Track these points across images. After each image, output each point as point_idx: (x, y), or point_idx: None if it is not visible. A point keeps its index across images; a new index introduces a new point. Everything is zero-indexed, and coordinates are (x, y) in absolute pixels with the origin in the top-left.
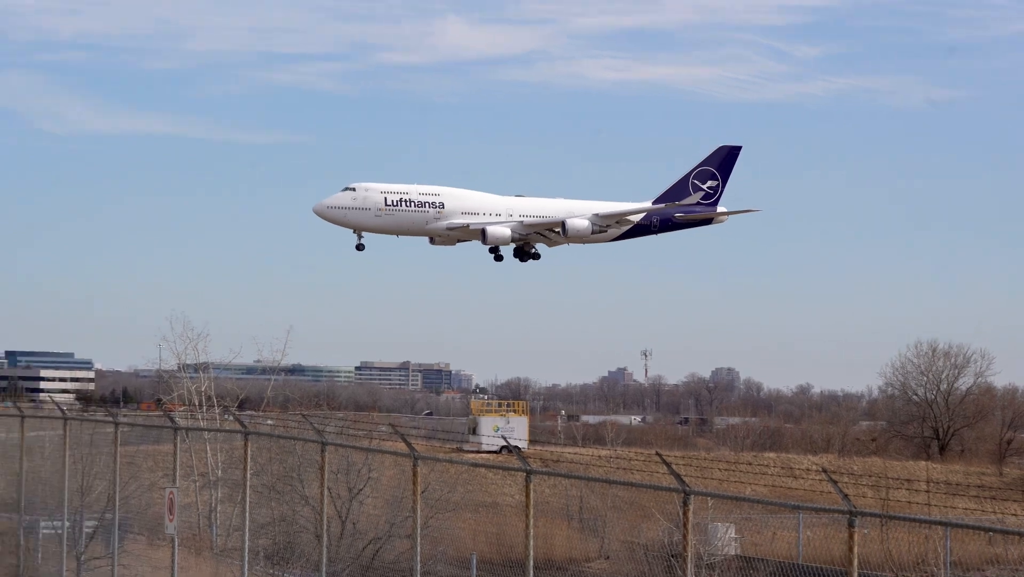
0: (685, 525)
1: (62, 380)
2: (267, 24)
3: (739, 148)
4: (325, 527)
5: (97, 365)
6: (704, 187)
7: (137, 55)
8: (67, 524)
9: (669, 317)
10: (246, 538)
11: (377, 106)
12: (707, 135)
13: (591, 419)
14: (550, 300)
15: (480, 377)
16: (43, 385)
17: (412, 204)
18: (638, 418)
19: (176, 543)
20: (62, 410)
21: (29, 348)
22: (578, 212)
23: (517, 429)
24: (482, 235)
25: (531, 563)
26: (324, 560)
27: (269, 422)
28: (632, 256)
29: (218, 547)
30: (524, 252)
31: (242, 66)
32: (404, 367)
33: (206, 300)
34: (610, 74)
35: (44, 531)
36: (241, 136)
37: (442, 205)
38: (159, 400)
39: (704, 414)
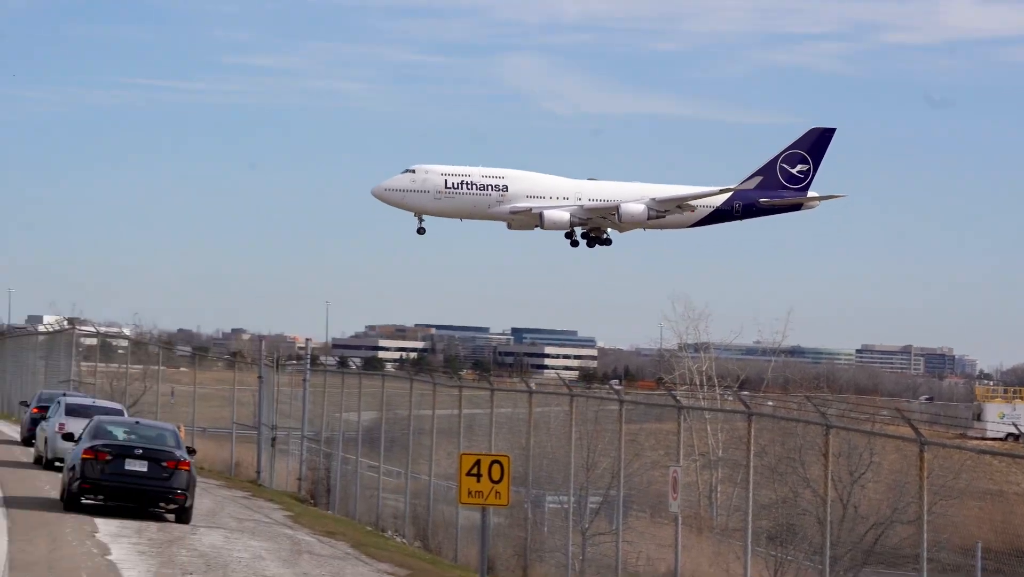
0: None
1: (565, 357)
2: (769, 4)
3: (832, 130)
4: (828, 510)
5: (599, 343)
6: (793, 171)
7: (641, 36)
8: (572, 499)
9: None
10: (749, 519)
11: (879, 87)
12: None
13: None
14: None
15: (984, 363)
16: (547, 362)
17: (474, 187)
18: None
19: (679, 522)
20: (568, 387)
21: (534, 325)
22: (648, 196)
23: None
24: (540, 219)
25: None
26: (827, 543)
27: (769, 403)
28: None
29: (719, 527)
30: (592, 238)
31: (744, 47)
32: (906, 351)
33: (708, 280)
34: None
35: (550, 505)
36: (743, 117)
37: (506, 188)
38: (660, 379)
39: None
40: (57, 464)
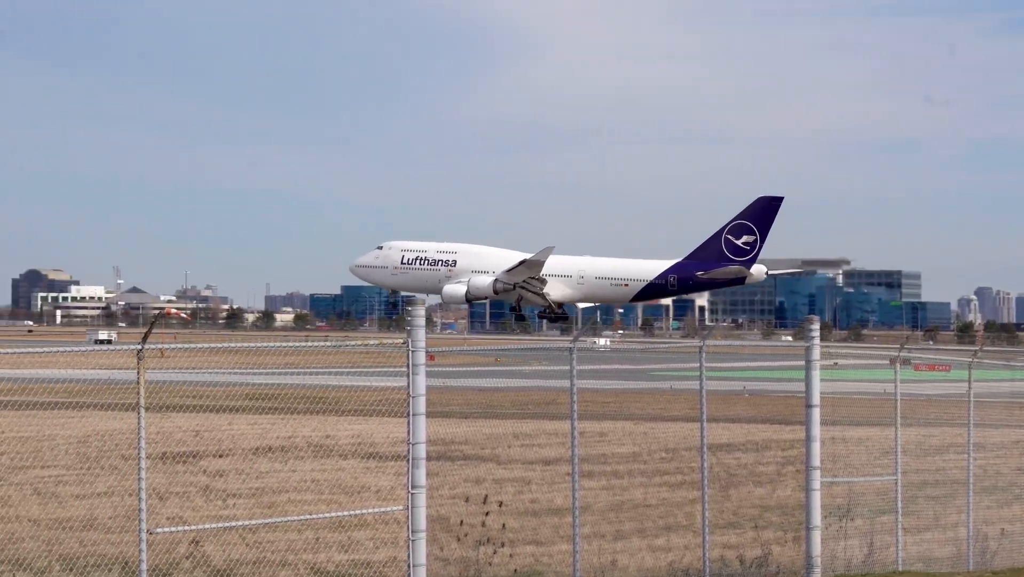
0: None
1: None
2: None
3: (780, 199)
4: None
5: None
6: (739, 242)
7: None
8: None
9: None
10: None
11: None
12: None
13: None
14: None
15: None
16: None
17: (427, 262)
18: None
19: None
20: None
21: None
22: (587, 270)
23: None
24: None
25: None
26: None
27: None
28: None
29: None
30: (552, 315)
31: None
32: None
33: None
34: None
35: None
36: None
37: (454, 263)
38: None
39: None
40: None
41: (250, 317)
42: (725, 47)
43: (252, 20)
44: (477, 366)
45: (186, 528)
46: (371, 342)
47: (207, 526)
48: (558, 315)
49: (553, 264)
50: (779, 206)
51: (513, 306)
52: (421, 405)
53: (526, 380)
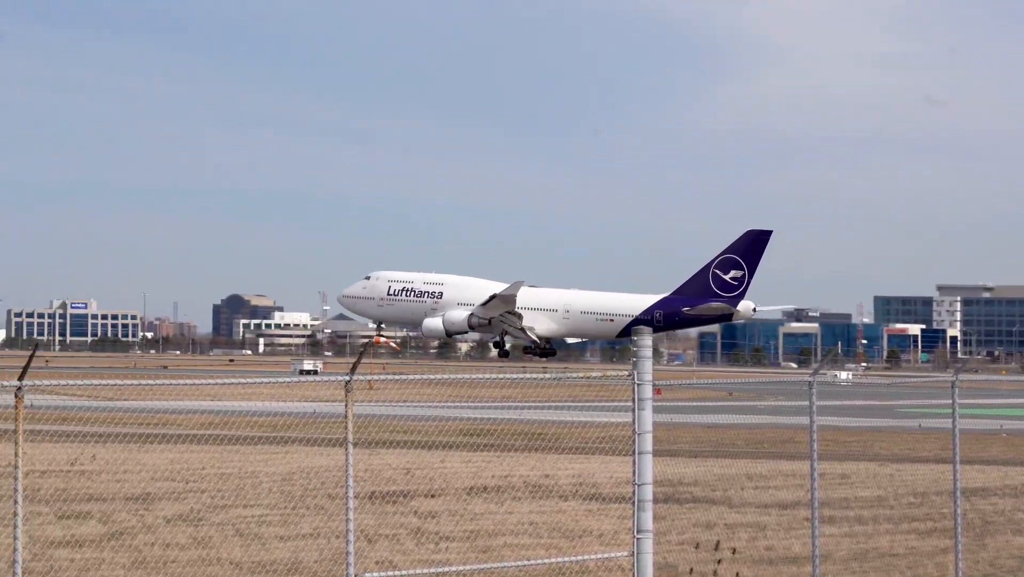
0: None
1: None
2: None
3: (769, 233)
4: None
5: None
6: (727, 277)
7: None
8: None
9: None
10: None
11: None
12: None
13: None
14: None
15: None
16: None
17: (413, 293)
18: None
19: None
20: None
21: None
22: (573, 304)
23: None
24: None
25: None
26: None
27: None
28: None
29: None
30: (542, 350)
31: None
32: None
33: None
34: None
35: None
36: None
37: (440, 295)
38: None
39: None
40: None
41: (463, 347)
42: (959, 53)
43: (469, 35)
44: (707, 401)
45: (396, 573)
46: (594, 374)
47: (418, 571)
48: (545, 350)
49: (538, 297)
50: (768, 240)
51: (497, 341)
52: (648, 443)
53: (760, 416)
